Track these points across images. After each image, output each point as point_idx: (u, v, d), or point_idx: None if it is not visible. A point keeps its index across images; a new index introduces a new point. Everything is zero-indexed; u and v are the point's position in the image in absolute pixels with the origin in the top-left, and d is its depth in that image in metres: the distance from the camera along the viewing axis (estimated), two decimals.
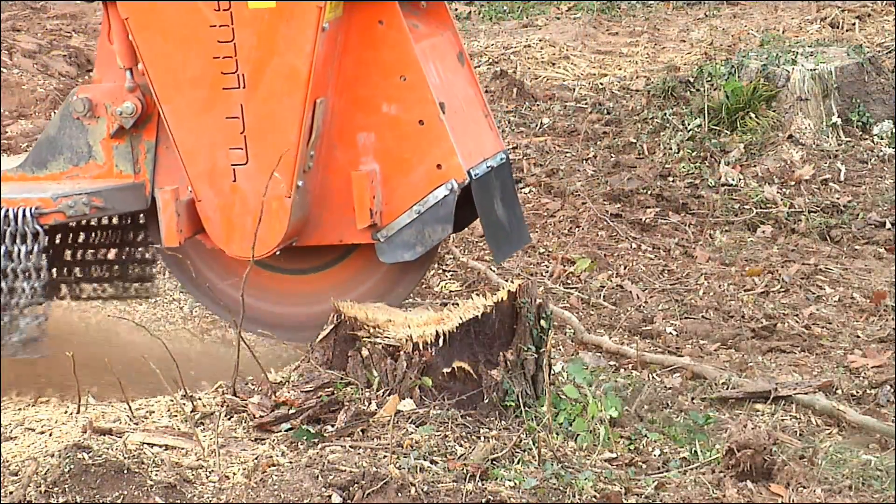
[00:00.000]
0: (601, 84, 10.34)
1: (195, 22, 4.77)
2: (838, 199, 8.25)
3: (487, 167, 5.11)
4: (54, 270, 5.34)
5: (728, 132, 9.00)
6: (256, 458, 4.50)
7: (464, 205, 5.04)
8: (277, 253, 4.99)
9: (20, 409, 5.01)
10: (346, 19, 4.84)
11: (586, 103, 9.89)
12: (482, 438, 4.65)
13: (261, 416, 4.77)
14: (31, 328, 5.00)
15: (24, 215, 4.87)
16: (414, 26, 4.93)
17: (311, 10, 4.69)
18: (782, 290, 6.96)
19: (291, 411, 4.80)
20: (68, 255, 5.44)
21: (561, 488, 4.39)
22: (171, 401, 4.91)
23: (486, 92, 10.07)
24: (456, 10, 12.60)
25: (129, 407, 4.82)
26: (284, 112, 4.77)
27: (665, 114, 9.27)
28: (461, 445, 4.59)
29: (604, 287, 6.91)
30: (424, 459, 4.46)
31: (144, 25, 4.81)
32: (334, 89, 4.88)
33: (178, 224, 4.87)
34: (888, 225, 7.88)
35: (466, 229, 6.37)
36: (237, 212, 4.90)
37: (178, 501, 4.23)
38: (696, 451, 4.82)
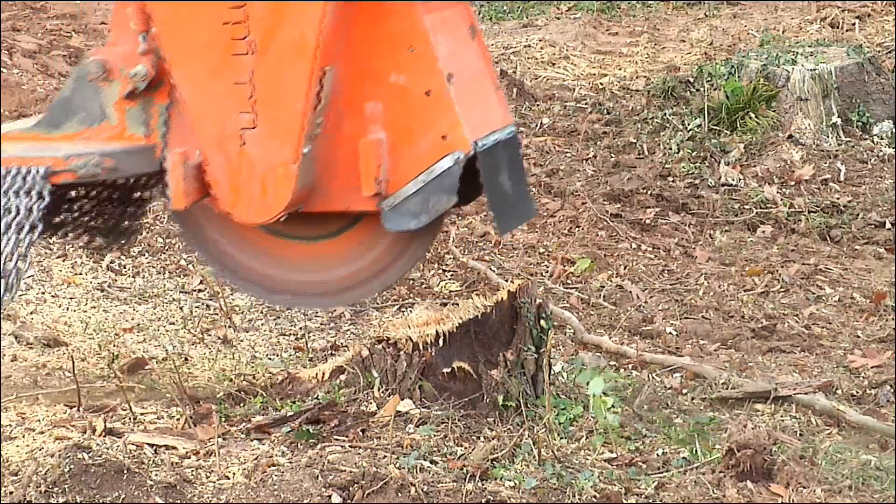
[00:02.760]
0: (601, 84, 10.34)
1: None
2: (838, 199, 8.24)
3: (495, 139, 5.13)
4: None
5: (728, 132, 9.00)
6: (256, 458, 4.50)
7: (473, 178, 5.07)
8: (283, 218, 5.01)
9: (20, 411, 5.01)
10: None
11: (586, 103, 9.88)
12: (482, 438, 4.64)
13: (260, 418, 4.77)
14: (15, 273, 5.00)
15: (34, 174, 4.90)
16: None
17: None
18: (782, 290, 6.96)
19: (290, 413, 4.80)
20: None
21: (561, 488, 4.39)
22: (171, 401, 4.91)
23: None
24: None
25: (130, 407, 4.82)
26: (293, 79, 4.82)
27: (665, 114, 9.26)
28: (461, 445, 4.59)
29: (604, 287, 6.91)
30: (424, 459, 4.45)
31: None
32: (343, 59, 4.93)
33: (186, 187, 4.92)
34: (888, 225, 7.88)
35: (466, 229, 6.36)
36: (244, 176, 4.95)
37: (178, 501, 4.23)
38: (696, 451, 4.82)
